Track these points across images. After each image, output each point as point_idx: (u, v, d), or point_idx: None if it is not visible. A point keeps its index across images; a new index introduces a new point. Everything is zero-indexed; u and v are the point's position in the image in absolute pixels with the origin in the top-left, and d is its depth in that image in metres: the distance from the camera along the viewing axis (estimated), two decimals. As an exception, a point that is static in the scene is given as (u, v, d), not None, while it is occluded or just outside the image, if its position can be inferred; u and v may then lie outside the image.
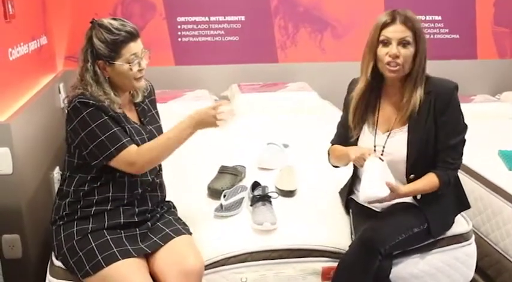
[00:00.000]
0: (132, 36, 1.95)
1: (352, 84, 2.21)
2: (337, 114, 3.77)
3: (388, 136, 2.12)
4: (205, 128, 1.97)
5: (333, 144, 2.32)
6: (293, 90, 4.08)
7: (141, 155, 1.94)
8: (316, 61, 4.36)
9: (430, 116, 2.04)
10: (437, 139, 2.05)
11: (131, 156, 1.93)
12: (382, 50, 2.01)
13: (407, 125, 2.08)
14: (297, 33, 4.31)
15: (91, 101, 1.91)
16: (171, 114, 3.40)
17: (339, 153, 2.21)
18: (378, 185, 1.94)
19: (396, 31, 1.97)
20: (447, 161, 2.07)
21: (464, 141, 2.10)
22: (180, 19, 4.14)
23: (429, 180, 2.06)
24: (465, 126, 2.09)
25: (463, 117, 2.09)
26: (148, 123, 2.13)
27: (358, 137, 2.18)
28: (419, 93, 2.03)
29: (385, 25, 2.00)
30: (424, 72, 2.05)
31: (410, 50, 1.98)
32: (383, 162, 2.01)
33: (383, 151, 2.11)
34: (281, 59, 4.35)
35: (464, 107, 2.11)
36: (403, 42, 1.98)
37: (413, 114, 2.05)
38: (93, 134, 1.91)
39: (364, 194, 1.95)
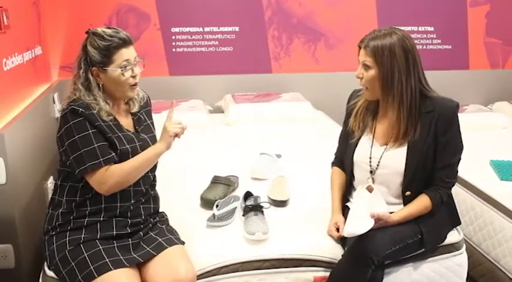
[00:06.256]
0: (125, 42, 1.98)
1: (352, 96, 2.29)
2: (330, 125, 3.83)
3: (385, 149, 2.14)
4: (165, 141, 2.02)
5: (335, 156, 2.39)
6: (286, 100, 4.10)
7: (111, 173, 1.95)
8: (310, 71, 4.38)
9: (430, 135, 2.06)
10: (436, 157, 2.08)
11: (103, 176, 1.94)
12: None
13: (406, 142, 2.10)
14: (291, 44, 4.34)
15: (80, 109, 1.92)
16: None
17: (331, 197, 2.29)
18: (360, 222, 1.97)
19: (361, 55, 2.09)
20: (444, 180, 2.10)
21: (460, 160, 2.13)
22: (175, 29, 4.17)
23: (421, 204, 2.09)
24: (462, 146, 2.13)
25: (461, 137, 2.12)
26: (143, 132, 2.14)
27: (355, 147, 2.20)
28: (411, 115, 2.06)
29: (359, 49, 2.11)
30: (413, 94, 2.05)
31: (371, 73, 2.06)
32: (371, 194, 2.05)
33: (378, 164, 2.14)
34: (275, 69, 4.37)
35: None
36: (364, 66, 2.08)
37: (409, 133, 2.08)
38: (75, 145, 1.92)
39: (347, 230, 1.99)
